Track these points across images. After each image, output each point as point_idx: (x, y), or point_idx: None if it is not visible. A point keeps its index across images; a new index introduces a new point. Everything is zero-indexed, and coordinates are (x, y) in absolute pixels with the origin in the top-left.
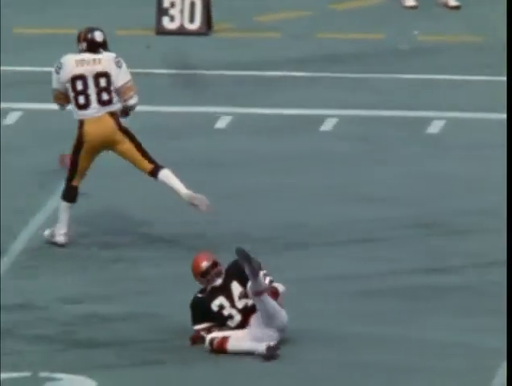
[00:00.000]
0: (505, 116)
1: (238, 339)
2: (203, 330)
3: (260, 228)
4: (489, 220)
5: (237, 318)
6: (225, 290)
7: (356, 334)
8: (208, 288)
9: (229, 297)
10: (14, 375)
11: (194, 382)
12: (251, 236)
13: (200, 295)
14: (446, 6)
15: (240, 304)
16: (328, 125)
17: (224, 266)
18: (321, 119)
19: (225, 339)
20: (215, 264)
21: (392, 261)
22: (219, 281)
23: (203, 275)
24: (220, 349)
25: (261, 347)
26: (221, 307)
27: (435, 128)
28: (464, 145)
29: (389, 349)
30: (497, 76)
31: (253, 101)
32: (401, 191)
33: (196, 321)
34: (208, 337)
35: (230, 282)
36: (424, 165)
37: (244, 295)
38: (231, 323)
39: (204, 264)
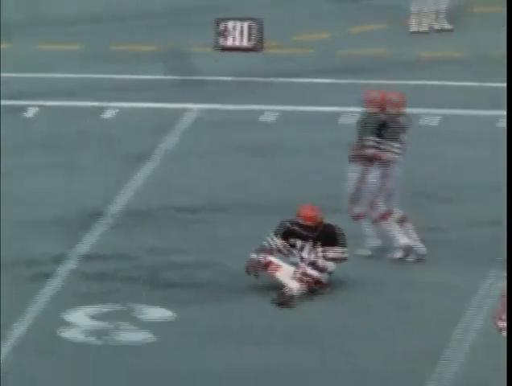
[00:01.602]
0: None
1: (283, 272)
2: (273, 246)
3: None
4: None
5: (298, 261)
6: (307, 240)
7: None
8: (298, 228)
9: (304, 245)
10: (108, 307)
11: (252, 317)
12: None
13: (290, 225)
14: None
15: (307, 257)
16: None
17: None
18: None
19: (273, 264)
20: (316, 227)
21: None
22: (310, 234)
23: (304, 227)
24: (265, 268)
25: (287, 288)
26: (294, 246)
27: None
28: None
29: None
30: None
31: (299, 101)
32: None
33: (277, 233)
34: (268, 258)
35: (317, 241)
36: None
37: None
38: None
39: (310, 223)
